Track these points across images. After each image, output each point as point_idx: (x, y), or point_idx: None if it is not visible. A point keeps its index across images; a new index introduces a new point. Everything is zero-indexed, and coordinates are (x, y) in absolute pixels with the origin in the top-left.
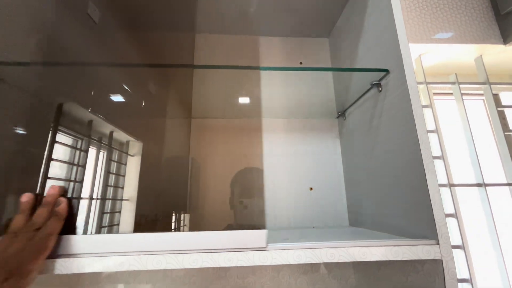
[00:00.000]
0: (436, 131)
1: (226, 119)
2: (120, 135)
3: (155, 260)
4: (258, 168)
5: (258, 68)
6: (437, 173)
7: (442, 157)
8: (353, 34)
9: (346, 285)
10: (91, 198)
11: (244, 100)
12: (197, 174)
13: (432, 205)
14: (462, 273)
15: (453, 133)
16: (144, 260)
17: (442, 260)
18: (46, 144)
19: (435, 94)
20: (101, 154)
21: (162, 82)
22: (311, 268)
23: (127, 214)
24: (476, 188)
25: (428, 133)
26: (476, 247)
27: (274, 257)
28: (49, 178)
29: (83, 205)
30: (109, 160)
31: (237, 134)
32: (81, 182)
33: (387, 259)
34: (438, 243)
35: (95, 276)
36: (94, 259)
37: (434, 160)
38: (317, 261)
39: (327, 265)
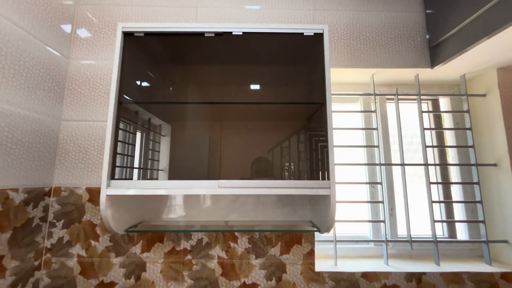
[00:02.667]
0: (377, 127)
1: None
2: (155, 120)
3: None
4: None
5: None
6: (377, 156)
7: (378, 146)
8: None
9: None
10: (139, 168)
11: None
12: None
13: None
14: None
15: (392, 127)
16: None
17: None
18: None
19: (387, 100)
20: (144, 135)
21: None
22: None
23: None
24: (399, 167)
25: (373, 130)
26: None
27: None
28: (118, 153)
29: (134, 172)
30: (148, 140)
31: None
32: (133, 156)
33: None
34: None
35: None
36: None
37: (374, 148)
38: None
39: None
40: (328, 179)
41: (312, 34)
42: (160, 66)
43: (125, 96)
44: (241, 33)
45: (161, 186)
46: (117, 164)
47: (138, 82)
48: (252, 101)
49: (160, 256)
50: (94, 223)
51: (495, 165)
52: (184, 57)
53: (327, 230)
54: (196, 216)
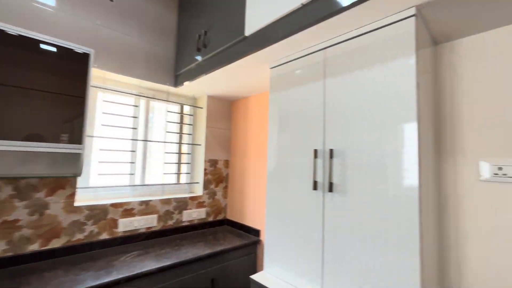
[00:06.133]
0: (138, 117)
1: None
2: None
3: None
4: None
5: None
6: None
7: (137, 128)
8: None
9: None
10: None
11: None
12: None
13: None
14: None
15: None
16: None
17: None
18: None
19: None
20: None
21: None
22: None
23: None
24: (151, 142)
25: (135, 118)
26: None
27: None
28: None
29: None
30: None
31: None
32: None
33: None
34: None
35: None
36: None
37: (135, 129)
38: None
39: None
40: (81, 143)
41: (81, 52)
42: None
43: None
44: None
45: None
46: None
47: None
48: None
49: None
50: None
51: (200, 144)
52: None
53: (79, 175)
54: None
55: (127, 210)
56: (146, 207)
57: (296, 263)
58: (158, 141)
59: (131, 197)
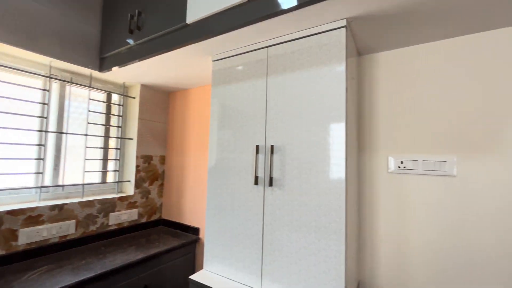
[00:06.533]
0: (49, 103)
1: None
2: None
3: None
4: None
5: None
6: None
7: (47, 117)
8: None
9: None
10: None
11: None
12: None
13: None
14: None
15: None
16: None
17: None
18: None
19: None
20: None
21: None
22: None
23: None
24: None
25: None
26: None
27: None
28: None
29: None
30: None
31: None
32: None
33: None
34: None
35: None
36: None
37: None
38: None
39: None
40: None
41: None
42: None
43: None
44: None
45: None
46: None
47: None
48: None
49: None
50: None
51: (131, 139)
52: None
53: None
54: None
55: (32, 218)
56: (60, 213)
57: (237, 258)
58: (77, 134)
59: (38, 202)
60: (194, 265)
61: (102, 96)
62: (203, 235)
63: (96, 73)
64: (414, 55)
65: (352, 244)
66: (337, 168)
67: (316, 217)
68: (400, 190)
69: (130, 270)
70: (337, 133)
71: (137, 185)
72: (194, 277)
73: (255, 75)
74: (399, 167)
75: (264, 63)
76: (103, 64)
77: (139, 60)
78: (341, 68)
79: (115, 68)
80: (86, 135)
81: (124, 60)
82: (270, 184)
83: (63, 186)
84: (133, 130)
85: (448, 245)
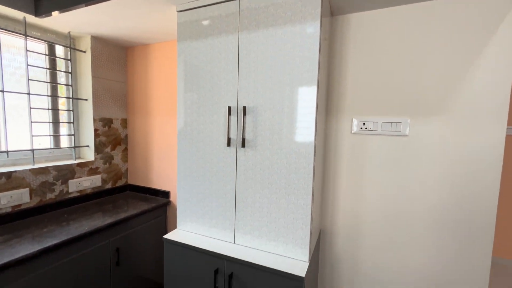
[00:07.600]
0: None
1: None
2: None
3: None
4: None
5: None
6: None
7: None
8: None
9: None
10: None
11: None
12: None
13: None
14: None
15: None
16: None
17: None
18: None
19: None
20: None
21: None
22: None
23: None
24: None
25: None
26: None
27: None
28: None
29: None
30: None
31: None
32: None
33: None
34: None
35: None
36: None
37: None
38: None
39: None
40: None
41: None
42: None
43: None
44: None
45: None
46: None
47: None
48: None
49: None
50: None
51: (86, 99)
52: None
53: None
54: None
55: None
56: (8, 181)
57: (210, 216)
58: (16, 92)
59: None
60: (165, 227)
61: (43, 47)
62: (174, 198)
63: (31, 18)
64: (381, 18)
65: (317, 198)
66: (307, 131)
67: (287, 175)
68: (361, 149)
69: (99, 234)
70: (309, 96)
71: (98, 150)
72: (168, 236)
73: (226, 30)
74: (361, 128)
75: (236, 17)
76: (40, 8)
77: (85, 5)
78: (315, 27)
79: (55, 13)
80: (28, 93)
81: (66, 3)
82: (243, 145)
83: (7, 152)
84: (87, 90)
85: (395, 196)
